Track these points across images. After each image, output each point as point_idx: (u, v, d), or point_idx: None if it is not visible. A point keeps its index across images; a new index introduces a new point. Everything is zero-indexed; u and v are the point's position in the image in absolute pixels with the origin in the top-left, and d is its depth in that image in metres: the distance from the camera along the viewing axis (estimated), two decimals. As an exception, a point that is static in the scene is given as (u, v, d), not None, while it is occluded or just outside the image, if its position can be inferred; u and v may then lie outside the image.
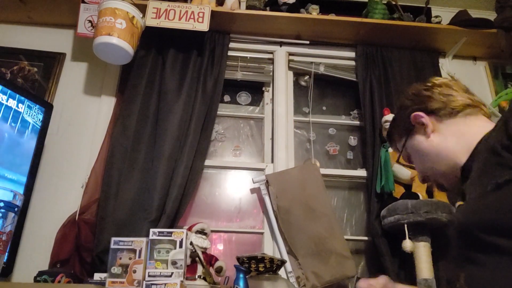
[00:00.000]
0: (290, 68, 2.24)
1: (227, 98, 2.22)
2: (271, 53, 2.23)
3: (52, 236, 1.67)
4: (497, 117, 1.26)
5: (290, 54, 2.24)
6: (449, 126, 0.83)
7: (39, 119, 1.73)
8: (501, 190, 0.64)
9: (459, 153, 0.79)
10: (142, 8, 1.86)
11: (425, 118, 0.85)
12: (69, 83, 2.03)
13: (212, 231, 1.78)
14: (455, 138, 0.81)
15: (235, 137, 2.17)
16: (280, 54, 2.22)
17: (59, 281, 1.36)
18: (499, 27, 2.11)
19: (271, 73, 2.21)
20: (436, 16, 2.20)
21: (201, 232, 1.61)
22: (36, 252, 1.68)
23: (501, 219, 0.63)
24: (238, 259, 1.53)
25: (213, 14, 1.94)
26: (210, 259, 1.61)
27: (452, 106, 0.83)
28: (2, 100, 1.57)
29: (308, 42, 2.21)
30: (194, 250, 1.51)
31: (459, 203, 0.80)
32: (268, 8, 2.13)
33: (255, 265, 1.51)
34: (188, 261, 1.51)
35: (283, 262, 1.57)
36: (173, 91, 1.91)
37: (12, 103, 1.61)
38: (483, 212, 0.67)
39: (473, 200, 0.71)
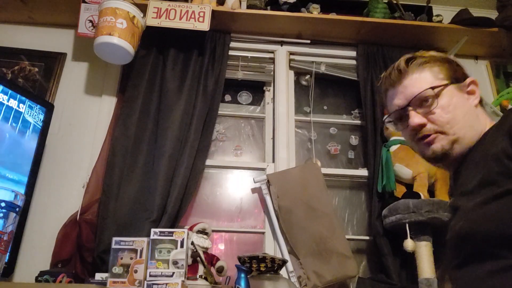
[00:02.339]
0: (291, 67, 2.23)
1: (228, 97, 2.21)
2: (272, 52, 2.22)
3: (53, 236, 1.67)
4: (498, 116, 1.26)
5: (291, 53, 2.23)
6: (478, 109, 0.85)
7: (40, 119, 1.73)
8: (503, 200, 0.65)
9: (476, 136, 0.81)
10: (143, 8, 1.86)
11: (479, 90, 0.86)
12: (70, 83, 2.03)
13: (213, 231, 1.78)
14: (479, 121, 0.83)
15: (236, 136, 2.17)
16: (281, 53, 2.22)
17: (60, 281, 1.36)
18: (500, 26, 2.11)
19: (272, 73, 2.21)
20: (437, 15, 2.19)
21: (202, 232, 1.61)
22: (37, 252, 1.69)
23: (501, 229, 0.64)
24: (239, 258, 1.53)
25: (214, 13, 1.94)
26: (211, 259, 1.61)
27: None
28: (3, 100, 1.57)
29: (309, 41, 2.21)
30: (195, 250, 1.51)
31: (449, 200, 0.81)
32: (269, 7, 2.13)
33: (256, 265, 1.51)
34: (189, 261, 1.51)
35: (284, 262, 1.57)
36: (174, 90, 1.91)
37: (13, 103, 1.61)
38: (483, 222, 0.67)
39: (472, 208, 0.71)
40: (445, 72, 0.85)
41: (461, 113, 0.82)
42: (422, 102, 0.84)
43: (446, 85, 0.83)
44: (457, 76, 0.86)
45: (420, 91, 0.83)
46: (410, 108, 0.85)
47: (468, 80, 0.86)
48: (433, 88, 0.83)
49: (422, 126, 0.83)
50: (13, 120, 1.59)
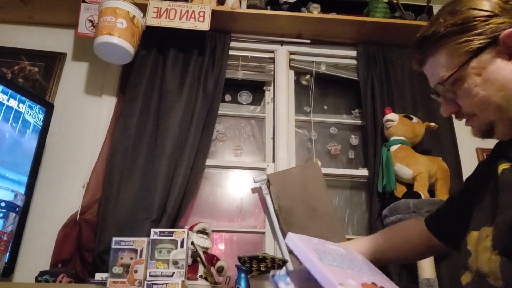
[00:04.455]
0: (291, 67, 2.23)
1: (228, 97, 2.21)
2: (272, 52, 2.22)
3: (53, 236, 1.67)
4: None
5: (291, 53, 2.23)
6: None
7: (40, 119, 1.73)
8: None
9: None
10: (143, 8, 1.86)
11: None
12: (70, 83, 2.03)
13: (213, 230, 1.78)
14: None
15: (236, 136, 2.16)
16: (281, 53, 2.22)
17: (60, 281, 1.36)
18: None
19: (272, 72, 2.21)
20: (438, 15, 2.19)
21: (202, 232, 1.61)
22: (37, 252, 1.68)
23: None
24: (239, 259, 1.53)
25: (214, 13, 1.94)
26: (212, 259, 1.61)
27: None
28: (3, 100, 1.57)
29: (309, 41, 2.21)
30: (195, 250, 1.51)
31: (503, 166, 0.71)
32: (269, 7, 2.13)
33: (257, 265, 1.50)
34: (189, 261, 1.51)
35: (284, 262, 1.57)
36: (174, 90, 1.91)
37: (13, 103, 1.61)
38: None
39: None
40: (464, 46, 0.70)
41: (493, 89, 0.68)
42: (446, 91, 0.75)
43: (465, 64, 0.70)
44: (480, 43, 0.68)
45: (435, 83, 0.75)
46: (439, 95, 0.77)
47: (503, 38, 0.67)
48: (443, 82, 0.73)
49: (456, 112, 0.75)
50: (13, 120, 1.59)
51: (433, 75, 0.76)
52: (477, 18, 0.69)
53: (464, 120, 0.76)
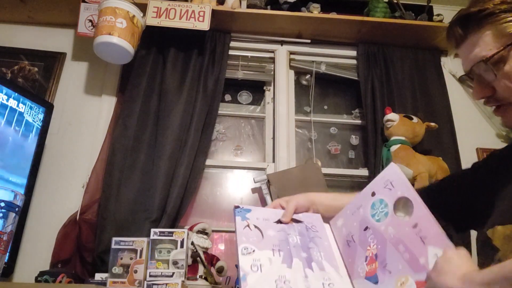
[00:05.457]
0: (291, 67, 2.23)
1: (228, 97, 2.21)
2: (272, 52, 2.22)
3: (53, 236, 1.66)
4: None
5: (291, 53, 2.23)
6: None
7: (40, 119, 1.73)
8: None
9: None
10: (143, 8, 1.85)
11: None
12: (70, 82, 2.03)
13: (213, 231, 1.78)
14: None
15: (236, 136, 2.16)
16: (281, 53, 2.21)
17: (60, 281, 1.36)
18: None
19: (272, 72, 2.21)
20: (438, 15, 2.19)
21: (202, 232, 1.60)
22: (37, 252, 1.68)
23: None
24: (239, 259, 1.52)
25: (214, 13, 1.94)
26: (212, 259, 1.60)
27: None
28: (3, 100, 1.57)
29: (309, 41, 2.20)
30: (195, 250, 1.51)
31: None
32: (269, 7, 2.12)
33: (257, 265, 1.50)
34: (189, 261, 1.50)
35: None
36: (174, 90, 1.91)
37: (12, 103, 1.60)
38: None
39: None
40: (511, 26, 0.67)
41: None
42: (482, 72, 0.71)
43: (509, 46, 0.66)
44: None
45: (471, 66, 0.71)
46: (473, 77, 0.73)
47: None
48: (486, 60, 0.68)
49: (489, 97, 0.72)
50: (13, 121, 1.59)
51: (473, 55, 0.71)
52: None
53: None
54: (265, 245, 0.79)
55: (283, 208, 0.92)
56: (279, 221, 0.87)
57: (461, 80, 0.75)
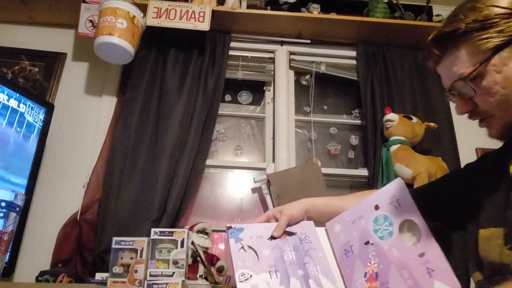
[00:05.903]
0: (291, 67, 2.23)
1: (228, 97, 2.21)
2: (272, 52, 2.22)
3: (53, 236, 1.67)
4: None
5: (291, 53, 2.23)
6: None
7: (40, 119, 1.73)
8: None
9: None
10: (143, 8, 1.86)
11: None
12: (70, 83, 2.03)
13: (214, 230, 1.78)
14: None
15: (236, 136, 2.16)
16: (281, 53, 2.22)
17: (60, 281, 1.36)
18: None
19: (272, 73, 2.21)
20: (437, 15, 2.19)
21: (203, 231, 1.61)
22: (37, 252, 1.69)
23: None
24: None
25: (214, 13, 1.94)
26: (212, 259, 1.60)
27: None
28: (3, 100, 1.57)
29: (309, 41, 2.21)
30: (195, 250, 1.51)
31: None
32: (269, 7, 2.12)
33: (257, 265, 1.50)
34: (190, 260, 1.51)
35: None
36: (174, 90, 1.91)
37: (13, 103, 1.61)
38: None
39: None
40: (485, 43, 0.69)
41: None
42: (462, 88, 0.73)
43: (486, 61, 0.69)
44: (501, 40, 0.68)
45: (451, 83, 0.73)
46: (454, 93, 0.75)
47: None
48: (464, 78, 0.71)
49: (471, 111, 0.74)
50: (13, 121, 1.59)
51: (451, 72, 0.74)
52: (498, 15, 0.69)
53: (470, 120, 0.76)
54: (261, 268, 0.78)
55: (276, 219, 0.92)
56: (273, 237, 0.86)
57: (445, 96, 0.76)
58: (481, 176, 0.81)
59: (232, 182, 2.05)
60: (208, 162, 1.95)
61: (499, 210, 0.71)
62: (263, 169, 2.03)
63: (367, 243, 0.79)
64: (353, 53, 2.21)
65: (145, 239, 1.41)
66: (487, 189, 0.77)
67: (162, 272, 1.36)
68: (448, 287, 0.63)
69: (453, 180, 0.93)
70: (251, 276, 0.76)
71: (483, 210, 0.75)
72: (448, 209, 0.87)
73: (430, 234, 0.71)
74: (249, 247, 0.82)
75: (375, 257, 0.75)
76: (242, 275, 0.76)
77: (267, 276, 0.77)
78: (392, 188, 0.81)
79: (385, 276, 0.72)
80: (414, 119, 1.90)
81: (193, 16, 1.89)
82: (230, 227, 0.86)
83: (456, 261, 0.78)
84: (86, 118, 1.97)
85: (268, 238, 0.86)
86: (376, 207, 0.81)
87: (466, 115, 0.77)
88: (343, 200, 0.99)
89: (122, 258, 1.38)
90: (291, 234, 0.88)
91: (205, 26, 1.88)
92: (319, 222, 0.94)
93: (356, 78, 2.17)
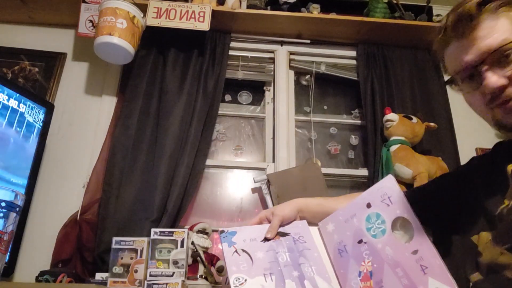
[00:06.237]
0: (291, 67, 2.23)
1: (228, 97, 2.21)
2: (272, 52, 2.22)
3: (53, 236, 1.67)
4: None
5: (291, 53, 2.23)
6: None
7: (40, 119, 1.73)
8: None
9: None
10: (143, 8, 1.86)
11: None
12: (70, 83, 2.03)
13: (214, 230, 1.78)
14: None
15: (236, 136, 2.16)
16: (281, 53, 2.22)
17: (60, 281, 1.36)
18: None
19: (272, 73, 2.21)
20: (437, 15, 2.19)
21: (203, 231, 1.61)
22: (37, 252, 1.68)
23: None
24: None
25: (214, 13, 1.94)
26: (212, 259, 1.61)
27: None
28: (3, 100, 1.57)
29: (309, 41, 2.21)
30: (195, 250, 1.51)
31: None
32: (269, 7, 2.13)
33: (257, 265, 1.50)
34: (190, 260, 1.51)
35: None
36: (174, 90, 1.91)
37: (13, 103, 1.61)
38: None
39: None
40: None
41: None
42: (500, 58, 0.66)
43: None
44: None
45: (499, 45, 0.65)
46: (485, 66, 0.67)
47: None
48: (507, 43, 0.64)
49: (503, 88, 0.66)
50: (13, 121, 1.59)
51: (490, 39, 0.67)
52: None
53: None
54: (256, 271, 0.77)
55: (269, 221, 0.91)
56: (266, 239, 0.85)
57: (448, 83, 0.69)
58: (473, 180, 0.80)
59: (232, 182, 2.05)
60: (208, 162, 1.95)
61: (495, 212, 0.70)
62: (263, 169, 2.03)
63: (360, 242, 0.78)
64: (353, 53, 2.21)
65: (145, 239, 1.42)
66: (481, 191, 0.76)
67: (162, 272, 1.36)
68: (442, 284, 0.63)
69: (442, 185, 0.92)
70: (246, 280, 0.76)
71: (478, 213, 0.74)
72: (440, 213, 0.86)
73: (423, 231, 0.71)
74: (243, 250, 0.81)
75: (368, 256, 0.75)
76: (236, 280, 0.76)
77: (262, 280, 0.76)
78: (383, 186, 0.81)
79: (379, 274, 0.72)
80: (414, 119, 1.90)
81: (193, 16, 1.89)
82: (222, 231, 0.86)
83: (457, 261, 0.76)
84: (86, 118, 1.97)
85: (262, 240, 0.85)
86: (368, 205, 0.81)
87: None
88: (336, 201, 0.99)
89: (122, 258, 1.39)
90: (284, 234, 0.88)
91: (205, 26, 1.88)
92: (312, 223, 0.93)
93: (356, 78, 2.17)
